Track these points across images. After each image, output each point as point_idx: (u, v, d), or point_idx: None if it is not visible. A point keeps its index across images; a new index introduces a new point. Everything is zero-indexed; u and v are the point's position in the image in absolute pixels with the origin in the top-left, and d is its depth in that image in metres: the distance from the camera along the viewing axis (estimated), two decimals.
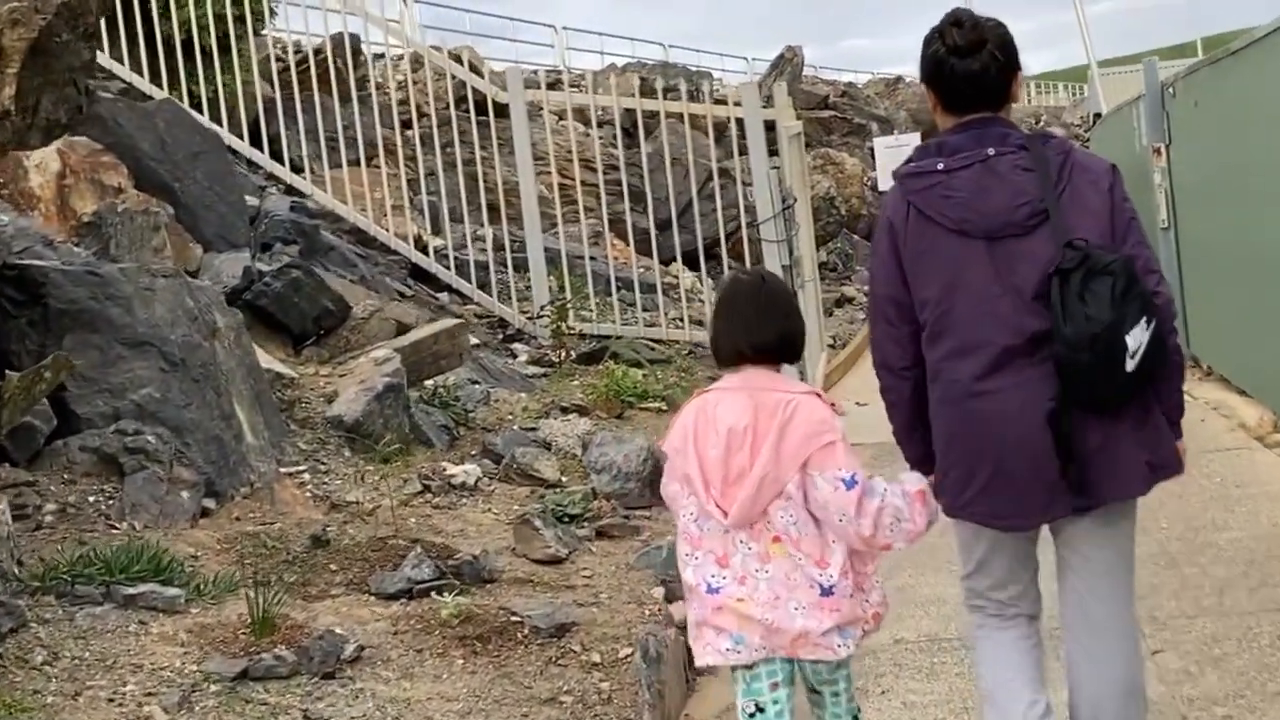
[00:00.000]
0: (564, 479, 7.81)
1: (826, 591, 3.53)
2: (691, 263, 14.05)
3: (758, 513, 3.50)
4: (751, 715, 3.63)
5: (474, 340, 11.41)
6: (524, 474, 7.66)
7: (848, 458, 3.52)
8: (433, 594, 5.56)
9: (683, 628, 4.81)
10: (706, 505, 3.54)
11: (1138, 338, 3.43)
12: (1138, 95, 13.36)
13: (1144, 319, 3.44)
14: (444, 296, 12.24)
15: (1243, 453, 8.71)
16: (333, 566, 5.85)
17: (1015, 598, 3.85)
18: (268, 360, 7.84)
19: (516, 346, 11.75)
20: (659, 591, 6.04)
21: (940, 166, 3.63)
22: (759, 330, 3.63)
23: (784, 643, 3.56)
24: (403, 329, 9.31)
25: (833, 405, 3.61)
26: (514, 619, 5.35)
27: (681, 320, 12.37)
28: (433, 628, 5.22)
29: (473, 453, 8.24)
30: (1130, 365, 3.43)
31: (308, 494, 6.86)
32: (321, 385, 8.09)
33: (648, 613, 5.74)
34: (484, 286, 12.20)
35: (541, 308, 11.57)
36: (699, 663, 3.70)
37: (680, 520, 3.66)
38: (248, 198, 10.38)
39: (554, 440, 8.61)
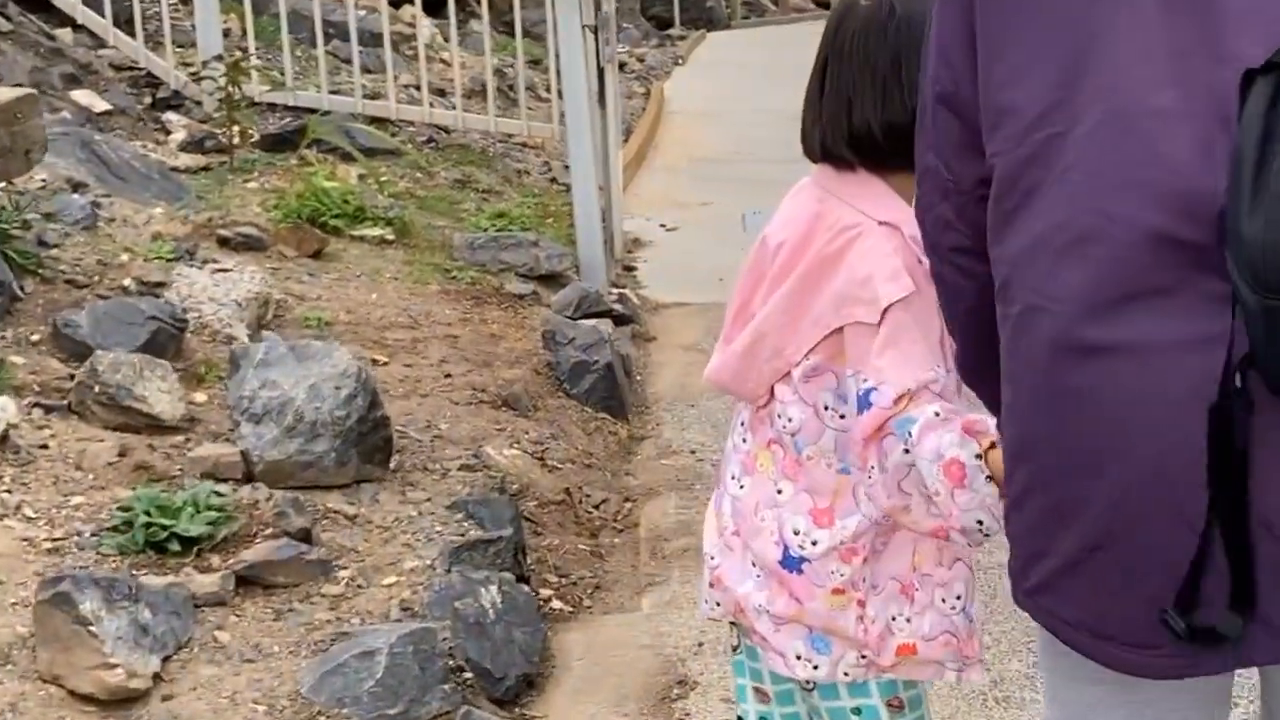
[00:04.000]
0: (199, 411, 4.16)
1: (793, 564, 2.13)
2: (434, 8, 10.22)
3: (747, 388, 2.20)
4: None
5: (105, 106, 7.54)
6: (116, 406, 3.98)
7: (891, 352, 1.98)
8: None
9: None
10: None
11: None
12: None
13: None
14: (65, 36, 8.23)
15: None
16: None
17: None
18: None
19: (171, 119, 7.85)
20: None
21: None
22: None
23: (731, 606, 2.24)
24: None
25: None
26: None
27: (419, 90, 8.63)
28: None
29: (34, 338, 4.51)
30: None
31: None
32: None
33: None
34: (128, 24, 8.23)
35: (204, 63, 7.67)
36: None
37: None
38: None
39: (196, 308, 4.95)
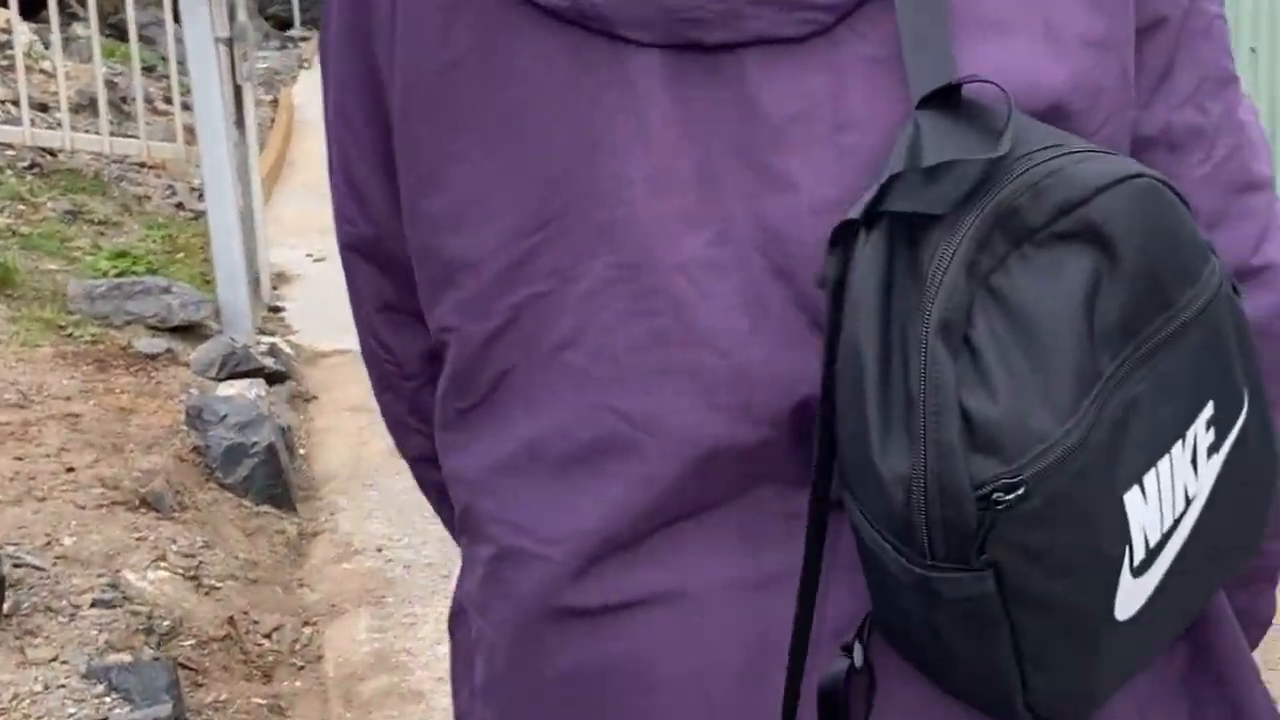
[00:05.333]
0: None
1: None
2: (30, 10, 9.10)
3: None
4: None
5: None
6: None
7: None
8: None
9: None
10: None
11: (1178, 486, 0.85)
12: None
13: (1244, 400, 0.90)
14: None
15: None
16: None
17: None
18: None
19: None
20: None
21: None
22: None
23: None
24: None
25: None
26: None
27: (17, 106, 7.54)
28: None
29: None
30: (1128, 605, 0.85)
31: None
32: None
33: None
34: None
35: None
36: None
37: None
38: None
39: None
